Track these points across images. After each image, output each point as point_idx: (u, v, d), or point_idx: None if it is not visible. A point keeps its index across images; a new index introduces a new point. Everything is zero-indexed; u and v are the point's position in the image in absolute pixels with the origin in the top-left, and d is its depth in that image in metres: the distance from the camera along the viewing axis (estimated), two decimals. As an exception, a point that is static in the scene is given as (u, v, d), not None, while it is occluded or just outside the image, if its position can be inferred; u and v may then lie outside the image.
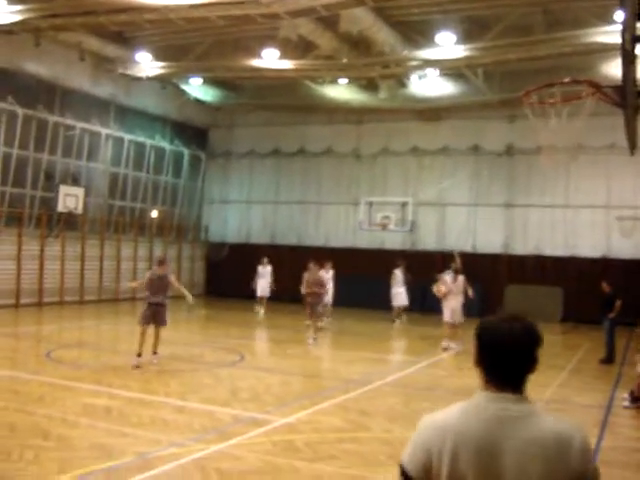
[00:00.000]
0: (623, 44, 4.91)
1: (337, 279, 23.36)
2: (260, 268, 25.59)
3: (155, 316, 14.04)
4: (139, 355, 13.69)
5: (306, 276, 19.45)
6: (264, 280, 25.54)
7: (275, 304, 26.35)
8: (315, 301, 18.84)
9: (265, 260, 25.83)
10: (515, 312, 2.61)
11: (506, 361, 2.49)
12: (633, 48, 4.93)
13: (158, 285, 14.04)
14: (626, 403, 11.67)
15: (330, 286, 22.63)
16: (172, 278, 14.46)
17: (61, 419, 9.41)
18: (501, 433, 2.40)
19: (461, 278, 18.37)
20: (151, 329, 14.10)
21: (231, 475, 7.34)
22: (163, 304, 14.10)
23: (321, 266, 22.52)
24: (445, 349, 17.76)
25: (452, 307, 18.01)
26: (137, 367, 13.48)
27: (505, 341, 2.49)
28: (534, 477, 2.35)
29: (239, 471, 7.50)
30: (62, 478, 7.03)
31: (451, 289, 18.11)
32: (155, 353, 14.18)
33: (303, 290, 19.41)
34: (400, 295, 23.84)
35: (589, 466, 2.42)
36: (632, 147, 8.38)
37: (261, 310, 25.39)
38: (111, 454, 7.92)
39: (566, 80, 8.89)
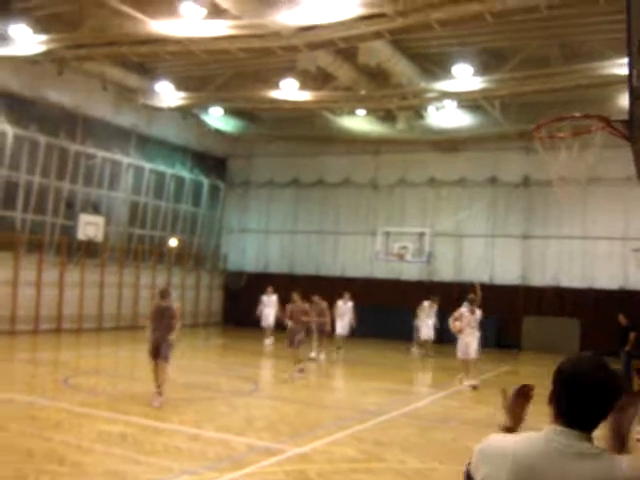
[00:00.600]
0: (630, 80, 5.02)
1: (354, 309, 23.35)
2: (265, 298, 25.23)
3: (158, 351, 13.09)
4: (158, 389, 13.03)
5: (290, 307, 18.59)
6: (268, 309, 25.07)
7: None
8: (298, 330, 18.00)
9: (270, 289, 25.37)
10: (596, 356, 2.58)
11: (585, 407, 2.48)
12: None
13: (160, 318, 13.19)
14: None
15: (349, 316, 22.91)
16: (176, 310, 13.50)
17: (77, 445, 9.50)
18: (560, 467, 2.40)
19: (479, 312, 17.59)
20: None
21: (243, 503, 7.40)
22: (165, 338, 13.07)
23: (339, 296, 23.23)
24: (461, 381, 17.60)
25: (466, 342, 17.29)
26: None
27: (589, 388, 2.48)
28: None
29: (252, 500, 7.56)
30: (77, 504, 7.11)
31: (468, 323, 17.32)
32: (159, 392, 12.94)
33: (286, 321, 18.42)
34: (426, 327, 23.62)
35: None
36: (642, 179, 8.47)
37: (267, 340, 25.00)
38: (124, 481, 8.00)
39: (576, 114, 8.99)
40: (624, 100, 21.13)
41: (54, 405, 12.36)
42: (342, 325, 22.91)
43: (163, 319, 13.15)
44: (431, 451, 10.42)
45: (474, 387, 16.68)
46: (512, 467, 2.45)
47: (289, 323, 17.98)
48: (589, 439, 2.46)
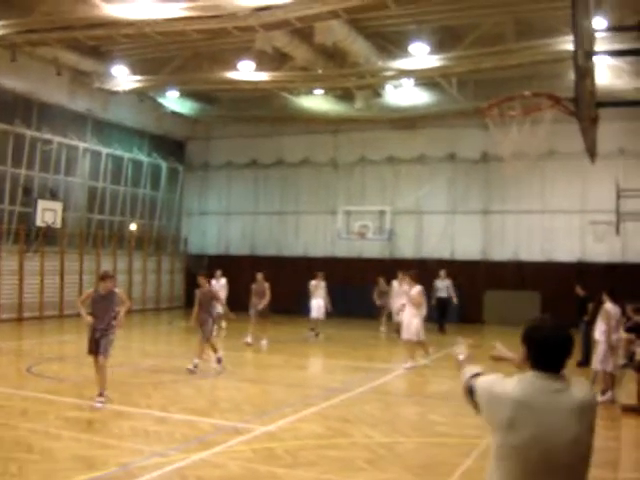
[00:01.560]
0: (575, 59, 5.14)
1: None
2: (213, 282, 22.13)
3: (97, 345, 11.52)
4: (100, 395, 11.35)
5: (254, 287, 20.17)
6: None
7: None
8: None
9: (219, 273, 23.46)
10: (549, 316, 3.70)
11: (553, 356, 3.48)
12: (587, 64, 5.16)
13: (102, 307, 11.62)
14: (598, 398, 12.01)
15: (323, 298, 22.65)
16: (121, 295, 12.07)
17: (44, 432, 9.49)
18: (547, 400, 3.39)
19: (417, 288, 16.60)
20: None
21: (213, 483, 7.48)
22: (106, 331, 11.56)
23: (313, 277, 22.90)
24: (420, 358, 17.49)
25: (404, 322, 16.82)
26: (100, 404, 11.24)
27: (554, 340, 3.50)
28: (572, 428, 3.38)
29: (220, 478, 7.64)
30: (46, 490, 7.13)
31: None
32: (100, 395, 11.30)
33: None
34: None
35: (595, 415, 3.51)
36: (592, 156, 8.66)
37: (222, 324, 22.90)
38: (94, 465, 8.02)
39: (526, 93, 9.17)
40: (578, 75, 21.50)
41: (19, 393, 12.32)
42: (317, 307, 22.49)
43: (103, 307, 11.62)
44: (396, 425, 10.59)
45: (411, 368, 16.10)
46: (512, 404, 3.39)
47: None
48: (560, 378, 3.46)
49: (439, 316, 24.03)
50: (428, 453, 9.07)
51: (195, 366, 14.95)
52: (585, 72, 5.16)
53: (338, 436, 9.78)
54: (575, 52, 5.25)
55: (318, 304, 22.49)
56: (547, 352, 3.46)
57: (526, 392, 3.41)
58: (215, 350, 15.69)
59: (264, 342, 19.88)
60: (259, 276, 20.39)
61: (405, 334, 16.47)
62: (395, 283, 22.31)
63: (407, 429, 10.33)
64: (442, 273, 24.42)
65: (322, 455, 8.68)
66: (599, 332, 12.44)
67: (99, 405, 11.10)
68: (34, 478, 7.50)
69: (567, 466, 3.39)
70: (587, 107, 5.38)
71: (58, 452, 8.55)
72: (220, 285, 23.00)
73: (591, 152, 8.35)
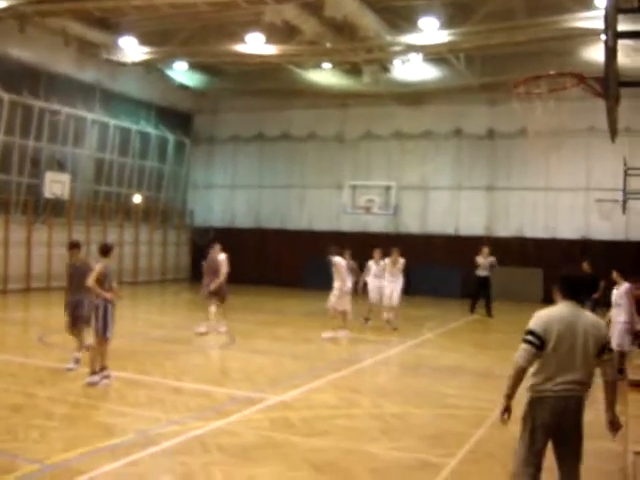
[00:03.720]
0: (606, 42, 5.25)
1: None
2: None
3: (73, 319, 11.66)
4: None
5: (205, 264, 17.13)
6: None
7: (261, 289, 26.49)
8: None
9: (217, 247, 17.70)
10: (575, 265, 6.52)
11: (580, 289, 5.54)
12: (615, 44, 5.27)
13: (76, 278, 11.40)
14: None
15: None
16: (92, 270, 10.85)
17: (62, 400, 9.69)
18: (575, 318, 5.36)
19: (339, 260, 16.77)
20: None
21: (232, 450, 7.66)
22: (82, 303, 11.44)
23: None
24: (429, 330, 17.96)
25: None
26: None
27: (581, 280, 5.68)
28: (591, 337, 5.33)
29: (239, 446, 7.82)
30: (69, 456, 7.30)
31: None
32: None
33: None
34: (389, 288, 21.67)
35: (605, 334, 5.59)
36: (613, 134, 8.76)
37: (211, 308, 17.76)
38: (113, 432, 8.21)
39: (552, 73, 9.27)
40: (588, 53, 21.48)
41: (32, 362, 12.50)
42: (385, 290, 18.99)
43: (79, 278, 11.20)
44: (407, 396, 10.79)
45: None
46: (558, 322, 5.33)
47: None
48: (582, 306, 5.52)
49: (475, 295, 22.80)
50: (440, 423, 9.26)
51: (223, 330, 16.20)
52: (614, 53, 5.28)
53: (350, 406, 9.98)
54: (605, 34, 5.36)
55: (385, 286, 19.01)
56: (571, 286, 5.46)
57: (563, 313, 5.38)
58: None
59: (223, 329, 16.59)
60: (213, 249, 17.13)
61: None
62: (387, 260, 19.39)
63: (418, 400, 10.52)
64: (485, 250, 22.53)
65: (336, 424, 8.87)
66: (617, 312, 12.41)
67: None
68: (56, 444, 7.66)
69: (582, 355, 5.32)
70: (614, 87, 5.51)
71: (78, 420, 8.74)
72: (220, 260, 18.34)
73: (613, 131, 8.48)
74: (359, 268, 19.16)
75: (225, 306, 17.12)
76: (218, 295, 16.84)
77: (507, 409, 5.41)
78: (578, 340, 5.26)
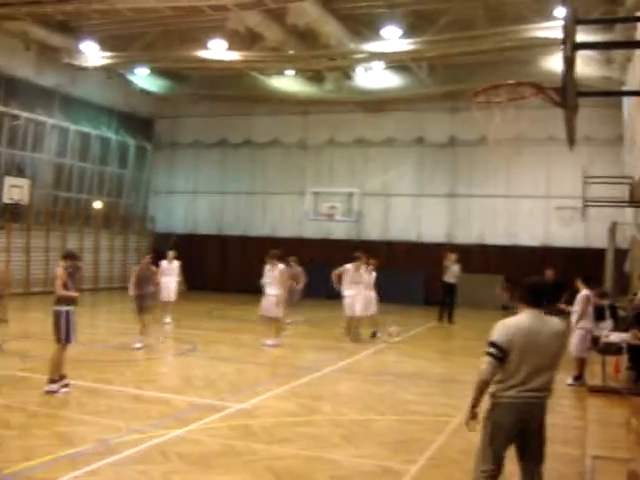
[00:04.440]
0: (565, 52, 5.35)
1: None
2: (164, 263, 19.51)
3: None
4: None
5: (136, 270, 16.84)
6: (169, 279, 19.39)
7: (224, 296, 26.39)
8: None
9: (171, 254, 19.78)
10: (539, 277, 6.33)
11: (543, 296, 5.57)
12: (573, 55, 5.38)
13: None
14: (569, 381, 12.35)
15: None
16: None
17: (21, 409, 9.55)
18: (539, 327, 5.43)
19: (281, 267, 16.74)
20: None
21: (193, 458, 7.62)
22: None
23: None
24: (390, 335, 18.07)
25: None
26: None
27: (544, 288, 5.67)
28: (554, 345, 5.49)
29: (200, 454, 7.79)
30: (28, 465, 7.20)
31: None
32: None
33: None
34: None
35: (565, 340, 6.09)
36: (571, 143, 8.94)
37: (166, 319, 19.61)
38: (73, 441, 8.13)
39: (510, 82, 9.44)
40: (547, 62, 21.79)
41: (-9, 370, 12.31)
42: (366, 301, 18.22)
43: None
44: (368, 403, 10.82)
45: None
46: (521, 331, 5.39)
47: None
48: (544, 313, 5.52)
49: (443, 302, 22.81)
50: (402, 430, 9.30)
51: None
52: (572, 63, 5.40)
53: (312, 413, 9.98)
54: (564, 43, 5.47)
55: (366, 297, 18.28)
56: (535, 294, 5.54)
57: (527, 322, 5.45)
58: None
59: (138, 345, 15.40)
60: (144, 259, 17.07)
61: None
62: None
63: (379, 407, 10.56)
64: (453, 257, 22.65)
65: (297, 432, 8.87)
66: (576, 319, 12.57)
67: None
68: (15, 454, 7.56)
69: (547, 362, 5.46)
70: (572, 96, 5.63)
71: (36, 428, 8.62)
72: (171, 268, 19.64)
73: (571, 140, 8.65)
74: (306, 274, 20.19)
75: (148, 317, 16.48)
76: (145, 305, 16.43)
77: (473, 417, 5.45)
78: (542, 348, 5.36)
